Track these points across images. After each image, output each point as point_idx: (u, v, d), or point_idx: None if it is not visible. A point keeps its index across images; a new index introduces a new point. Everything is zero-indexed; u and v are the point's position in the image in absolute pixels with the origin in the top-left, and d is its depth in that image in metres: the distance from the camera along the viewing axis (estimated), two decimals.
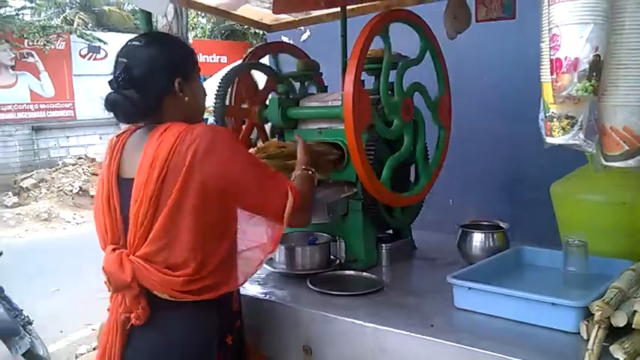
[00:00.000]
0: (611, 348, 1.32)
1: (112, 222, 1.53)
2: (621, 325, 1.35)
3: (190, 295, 1.49)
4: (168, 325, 1.52)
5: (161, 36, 1.78)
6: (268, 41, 3.52)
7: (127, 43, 1.60)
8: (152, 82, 1.54)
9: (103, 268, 1.50)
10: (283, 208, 1.56)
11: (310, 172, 1.77)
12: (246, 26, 12.73)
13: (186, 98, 1.59)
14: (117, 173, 1.57)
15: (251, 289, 1.98)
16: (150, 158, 1.45)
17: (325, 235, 2.16)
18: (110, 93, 1.54)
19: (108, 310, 1.60)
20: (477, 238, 2.08)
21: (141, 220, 1.46)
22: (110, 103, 1.54)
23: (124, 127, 1.66)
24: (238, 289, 1.67)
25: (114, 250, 1.51)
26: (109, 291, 1.53)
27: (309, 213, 1.74)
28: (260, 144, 2.10)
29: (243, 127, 2.44)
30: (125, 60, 1.54)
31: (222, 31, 16.44)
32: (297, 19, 3.14)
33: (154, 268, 1.46)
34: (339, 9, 2.72)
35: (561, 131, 1.35)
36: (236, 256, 1.61)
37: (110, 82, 1.55)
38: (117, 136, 1.64)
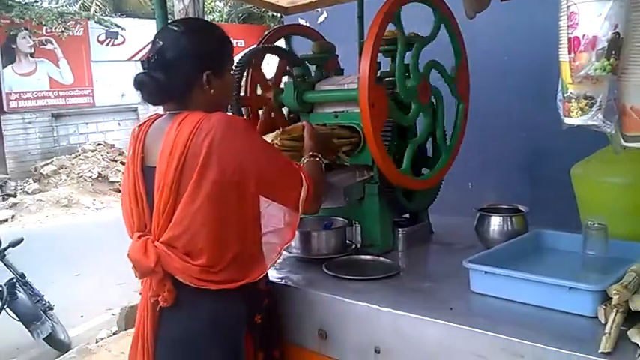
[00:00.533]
0: (628, 332, 1.30)
1: (138, 210, 1.58)
2: (639, 309, 1.33)
3: (211, 284, 1.53)
4: (195, 307, 1.56)
5: (201, 25, 1.80)
6: (285, 24, 3.50)
7: (166, 26, 1.66)
8: (181, 69, 1.57)
9: (129, 255, 1.55)
10: (298, 196, 1.60)
11: (317, 159, 1.80)
12: (263, 9, 12.68)
13: (212, 91, 1.61)
14: (141, 162, 1.60)
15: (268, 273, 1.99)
16: (169, 147, 1.49)
17: (341, 219, 2.15)
18: (140, 72, 1.59)
19: (140, 293, 1.67)
20: (495, 222, 2.05)
21: (163, 206, 1.50)
22: (138, 82, 1.58)
23: (143, 114, 1.68)
24: (266, 273, 1.70)
25: (140, 237, 1.56)
26: (136, 277, 1.59)
27: (321, 200, 1.76)
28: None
29: (260, 112, 2.43)
30: (161, 43, 1.58)
31: (240, 15, 16.38)
32: (313, 0, 3.11)
33: (174, 254, 1.51)
34: None
35: (579, 112, 1.32)
36: (258, 248, 1.64)
37: (142, 62, 1.60)
38: (138, 127, 1.68)
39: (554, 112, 1.47)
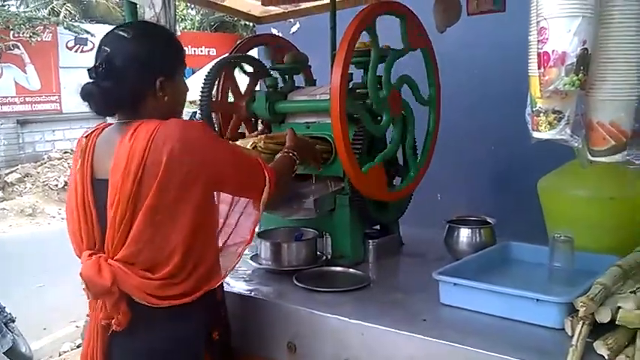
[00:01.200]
0: (594, 344, 1.31)
1: (87, 227, 1.48)
2: (605, 321, 1.34)
3: (170, 300, 1.44)
4: (152, 328, 1.47)
5: (150, 29, 1.68)
6: (257, 33, 3.49)
7: (112, 31, 1.54)
8: (132, 77, 1.48)
9: (81, 274, 1.43)
10: (261, 193, 1.59)
11: (291, 155, 1.81)
12: (235, 18, 12.66)
13: (166, 98, 1.53)
14: (91, 175, 1.51)
15: (236, 285, 1.96)
16: (124, 158, 1.40)
17: (311, 230, 2.14)
18: (87, 82, 1.48)
19: (87, 316, 1.56)
20: (464, 234, 2.07)
21: (119, 221, 1.41)
22: (85, 93, 1.47)
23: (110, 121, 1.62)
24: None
25: (91, 255, 1.45)
26: (88, 298, 1.48)
27: (284, 193, 1.78)
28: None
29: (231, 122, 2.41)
30: (108, 50, 1.48)
31: (212, 23, 16.33)
32: (286, 10, 3.11)
33: (132, 272, 1.41)
34: (328, 1, 2.70)
35: (548, 126, 1.34)
36: (216, 254, 1.59)
37: (89, 71, 1.49)
38: (86, 137, 1.57)
39: (522, 126, 1.49)
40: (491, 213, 2.19)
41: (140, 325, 1.45)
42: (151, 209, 1.40)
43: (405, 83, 2.14)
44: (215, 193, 1.58)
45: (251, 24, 3.66)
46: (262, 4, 2.89)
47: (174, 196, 1.40)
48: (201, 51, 14.01)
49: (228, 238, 1.72)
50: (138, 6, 2.31)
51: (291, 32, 4.10)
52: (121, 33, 1.51)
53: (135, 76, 1.48)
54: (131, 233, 1.41)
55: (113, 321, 1.43)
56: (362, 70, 2.18)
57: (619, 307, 1.31)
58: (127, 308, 1.43)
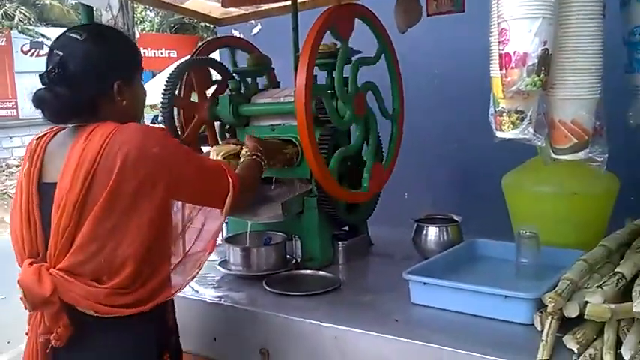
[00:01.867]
0: (564, 338, 1.34)
1: (30, 234, 1.39)
2: (573, 315, 1.37)
3: (120, 309, 1.35)
4: (98, 342, 1.38)
5: (104, 31, 1.57)
6: (219, 35, 3.45)
7: (64, 34, 1.45)
8: (88, 82, 1.41)
9: (19, 282, 1.33)
10: (225, 200, 1.53)
11: (256, 158, 1.79)
12: (196, 20, 12.52)
13: (124, 102, 1.47)
14: (38, 178, 1.42)
15: (205, 292, 1.93)
16: (75, 162, 1.32)
17: (280, 234, 2.12)
18: (40, 89, 1.40)
19: (26, 334, 1.43)
20: (432, 233, 2.09)
21: (63, 228, 1.32)
22: (38, 99, 1.39)
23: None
24: (173, 305, 1.57)
25: (31, 263, 1.35)
26: (26, 309, 1.37)
27: (250, 197, 1.74)
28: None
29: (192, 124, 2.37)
30: (60, 53, 1.39)
31: (172, 25, 16.14)
32: (247, 12, 3.08)
33: (78, 281, 1.32)
34: (289, 2, 2.68)
35: (511, 126, 1.36)
36: (168, 265, 1.50)
37: (41, 76, 1.40)
38: (37, 139, 1.48)
39: (484, 124, 1.51)
40: (456, 211, 2.22)
41: (85, 339, 1.36)
42: (98, 218, 1.31)
43: (369, 90, 2.15)
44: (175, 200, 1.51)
45: (212, 26, 3.61)
46: (222, 6, 2.85)
47: (126, 205, 1.32)
48: (162, 53, 13.82)
49: (192, 244, 1.63)
50: (95, 9, 2.25)
51: (252, 34, 4.07)
52: (73, 35, 1.43)
53: (91, 80, 1.41)
54: (76, 242, 1.32)
55: (52, 335, 1.32)
56: (325, 73, 2.18)
57: (586, 302, 1.33)
58: (69, 321, 1.33)
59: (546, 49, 1.26)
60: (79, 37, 1.42)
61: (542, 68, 1.27)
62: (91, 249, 1.32)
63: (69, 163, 1.34)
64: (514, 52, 1.27)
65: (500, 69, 1.31)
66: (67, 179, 1.33)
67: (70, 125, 1.45)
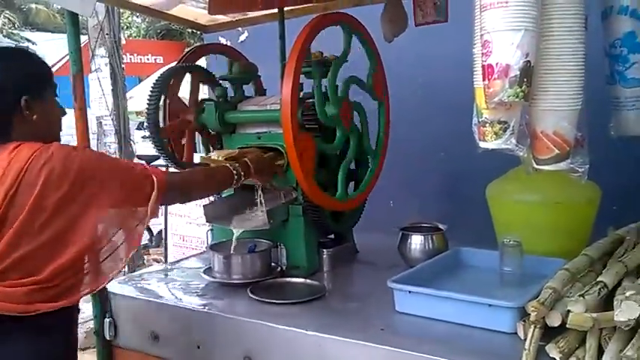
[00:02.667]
0: (547, 347, 1.34)
1: None
2: (556, 324, 1.38)
3: (36, 304, 1.40)
4: (10, 344, 1.41)
5: (8, 52, 1.72)
6: (205, 42, 3.45)
7: None
8: None
9: None
10: (148, 198, 1.56)
11: (229, 167, 1.84)
12: (182, 26, 12.49)
13: (34, 117, 1.52)
14: None
15: (189, 300, 1.93)
16: None
17: (265, 241, 2.12)
18: None
19: None
20: (417, 241, 2.10)
21: None
22: None
23: None
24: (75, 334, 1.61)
25: None
26: None
27: (187, 198, 1.86)
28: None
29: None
30: None
31: (158, 31, 16.09)
32: (234, 19, 3.09)
33: None
34: (276, 10, 2.69)
35: (494, 136, 1.37)
36: (83, 269, 1.55)
37: None
38: None
39: (468, 134, 1.52)
40: (442, 219, 2.22)
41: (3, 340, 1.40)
42: (18, 232, 1.38)
43: (351, 84, 2.15)
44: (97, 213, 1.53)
45: (199, 32, 3.61)
46: (209, 13, 2.85)
47: (46, 219, 1.39)
48: (148, 59, 13.74)
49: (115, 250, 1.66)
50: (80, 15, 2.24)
51: (239, 41, 4.07)
52: None
53: None
54: None
55: None
56: (312, 81, 2.18)
57: (569, 311, 1.34)
58: None
59: (528, 60, 1.28)
60: None
61: (525, 80, 1.28)
62: (8, 261, 1.39)
63: None
64: (496, 64, 1.28)
65: (483, 80, 1.33)
66: None
67: None
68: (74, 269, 1.49)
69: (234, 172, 1.84)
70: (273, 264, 2.10)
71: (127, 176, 1.56)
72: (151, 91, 2.22)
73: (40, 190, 1.38)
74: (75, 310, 1.57)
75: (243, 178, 1.86)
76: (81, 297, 1.52)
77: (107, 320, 1.99)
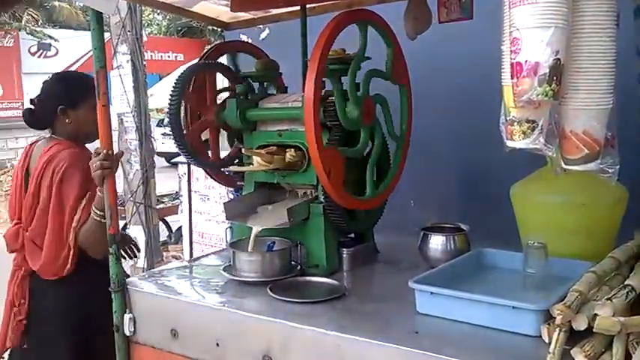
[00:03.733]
0: (572, 351, 1.31)
1: (14, 205, 2.38)
2: (582, 328, 1.35)
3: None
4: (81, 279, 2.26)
5: (55, 75, 2.49)
6: (226, 39, 3.45)
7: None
8: (41, 104, 2.38)
9: (4, 236, 2.39)
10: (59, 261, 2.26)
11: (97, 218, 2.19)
12: (203, 24, 12.55)
13: (68, 121, 2.33)
14: (25, 169, 2.36)
15: (209, 297, 1.92)
16: (36, 166, 2.29)
17: (285, 240, 2.11)
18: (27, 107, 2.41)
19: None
20: (438, 241, 2.07)
21: (28, 207, 2.29)
22: (23, 113, 2.41)
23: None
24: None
25: (14, 224, 2.36)
26: (7, 251, 2.41)
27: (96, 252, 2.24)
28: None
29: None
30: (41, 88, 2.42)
31: (179, 29, 16.19)
32: (255, 17, 3.08)
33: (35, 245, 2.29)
34: (299, 7, 2.68)
35: (522, 135, 1.34)
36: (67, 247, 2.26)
37: (31, 100, 2.43)
38: (30, 144, 2.42)
39: (494, 132, 1.49)
40: (465, 219, 2.19)
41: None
42: (41, 208, 2.26)
43: (372, 77, 2.11)
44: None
45: (219, 29, 3.61)
46: (231, 10, 2.84)
47: (47, 203, 2.24)
48: (169, 56, 13.86)
49: None
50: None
51: (260, 38, 4.06)
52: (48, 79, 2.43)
53: (43, 104, 2.38)
54: (33, 221, 2.28)
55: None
56: (333, 79, 2.17)
57: (595, 315, 1.31)
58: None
59: (558, 58, 1.25)
60: (47, 79, 2.43)
61: (554, 78, 1.25)
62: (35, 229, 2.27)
63: (36, 165, 2.28)
64: (525, 62, 1.26)
65: (512, 78, 1.30)
66: (32, 175, 2.30)
67: (45, 135, 2.40)
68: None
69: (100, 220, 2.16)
70: (292, 263, 2.08)
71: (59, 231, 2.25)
72: (172, 89, 2.23)
73: (50, 182, 2.23)
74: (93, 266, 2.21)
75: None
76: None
77: (127, 316, 2.00)
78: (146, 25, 15.25)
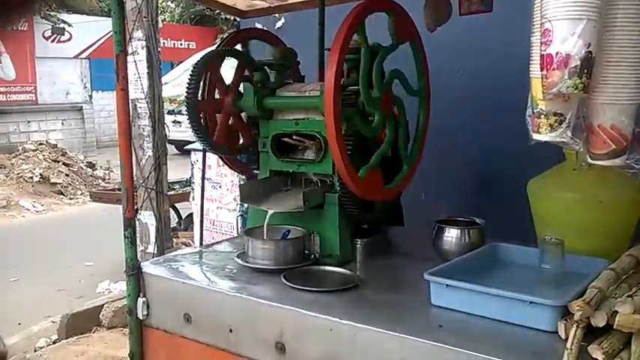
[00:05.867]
0: (589, 348, 1.31)
1: None
2: (601, 325, 1.34)
3: None
4: None
5: None
6: (241, 27, 3.44)
7: None
8: None
9: None
10: None
11: None
12: (216, 12, 12.53)
13: None
14: None
15: (222, 283, 1.93)
16: None
17: (299, 228, 2.11)
18: None
19: None
20: (453, 234, 2.06)
21: None
22: None
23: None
24: None
25: None
26: None
27: None
28: None
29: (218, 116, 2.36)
30: None
31: (192, 16, 16.14)
32: (272, 5, 3.07)
33: None
34: None
35: (549, 128, 1.33)
36: None
37: None
38: None
39: (510, 126, 1.48)
40: (479, 213, 2.18)
41: None
42: None
43: (395, 78, 2.11)
44: None
45: (232, 18, 3.60)
46: None
47: None
48: (181, 44, 13.84)
49: None
50: None
51: (276, 27, 4.05)
52: None
53: None
54: None
55: None
56: (351, 68, 2.15)
57: (614, 312, 1.30)
58: None
59: (590, 51, 1.23)
60: None
61: (585, 71, 1.24)
62: None
63: None
64: (556, 54, 1.24)
65: (541, 70, 1.28)
66: None
67: None
68: None
69: None
70: (306, 252, 2.08)
71: None
72: (190, 77, 2.21)
73: None
74: None
75: None
76: None
77: (141, 300, 2.00)
78: (160, 12, 15.23)
